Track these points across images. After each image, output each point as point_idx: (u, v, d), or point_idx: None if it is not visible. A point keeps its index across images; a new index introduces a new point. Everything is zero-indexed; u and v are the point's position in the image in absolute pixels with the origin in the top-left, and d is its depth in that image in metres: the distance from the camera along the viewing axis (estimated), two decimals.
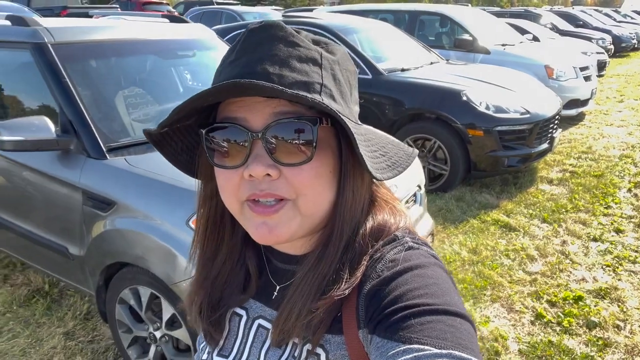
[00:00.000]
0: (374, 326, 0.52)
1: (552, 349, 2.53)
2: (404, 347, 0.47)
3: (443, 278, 0.55)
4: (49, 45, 2.45)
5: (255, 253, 0.70)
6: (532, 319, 2.80)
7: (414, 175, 2.75)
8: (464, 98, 4.37)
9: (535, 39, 9.39)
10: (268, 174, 0.55)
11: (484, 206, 4.30)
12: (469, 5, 11.68)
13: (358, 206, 0.61)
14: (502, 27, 8.41)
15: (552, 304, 2.93)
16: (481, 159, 4.38)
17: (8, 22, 2.69)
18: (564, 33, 13.22)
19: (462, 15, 7.59)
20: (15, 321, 2.82)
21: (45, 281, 3.16)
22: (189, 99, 0.52)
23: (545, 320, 2.78)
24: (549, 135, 4.73)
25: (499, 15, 11.95)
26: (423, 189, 2.82)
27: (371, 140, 0.58)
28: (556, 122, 4.87)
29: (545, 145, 4.64)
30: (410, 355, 0.46)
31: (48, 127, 2.21)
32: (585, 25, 16.37)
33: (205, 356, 0.72)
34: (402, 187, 2.51)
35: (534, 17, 13.66)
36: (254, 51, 0.55)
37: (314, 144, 0.54)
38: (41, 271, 2.86)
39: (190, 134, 0.63)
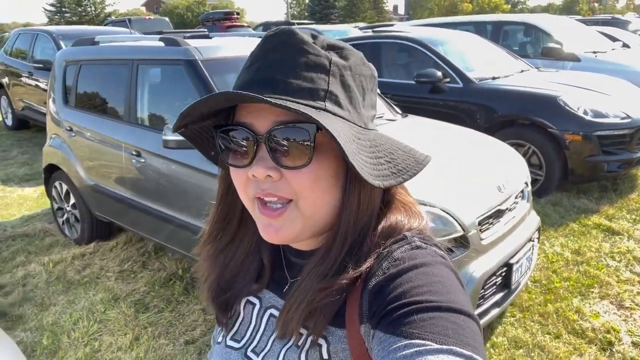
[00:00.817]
0: (377, 321, 0.53)
1: None
2: (406, 342, 0.48)
3: (449, 276, 0.56)
4: (199, 61, 2.89)
5: (270, 245, 0.72)
6: None
7: (522, 173, 2.89)
8: (561, 103, 4.40)
9: (626, 45, 9.02)
10: (269, 175, 0.58)
11: (583, 211, 4.28)
12: (547, 14, 11.39)
13: (366, 209, 0.62)
14: (590, 34, 8.19)
15: None
16: (579, 165, 4.37)
17: (161, 44, 3.19)
18: None
19: (548, 23, 7.52)
20: (158, 299, 3.25)
21: (178, 267, 3.60)
22: (191, 104, 0.57)
23: None
24: None
25: (584, 23, 11.57)
26: (529, 186, 2.94)
27: (378, 147, 0.59)
28: None
29: None
30: (411, 350, 0.47)
31: None
32: None
33: (220, 339, 0.76)
34: (511, 184, 2.66)
35: (622, 24, 13.03)
36: (265, 58, 0.59)
37: (312, 148, 0.57)
38: (177, 256, 3.27)
39: (209, 131, 0.67)
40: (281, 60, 0.57)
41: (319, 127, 0.54)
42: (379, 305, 0.54)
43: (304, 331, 0.62)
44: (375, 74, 0.66)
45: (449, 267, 0.57)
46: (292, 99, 0.55)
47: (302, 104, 0.55)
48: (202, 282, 0.76)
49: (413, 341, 0.48)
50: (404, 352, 0.47)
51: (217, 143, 0.63)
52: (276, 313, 0.70)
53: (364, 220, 0.62)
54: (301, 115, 0.53)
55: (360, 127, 0.60)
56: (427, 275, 0.54)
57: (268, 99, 0.51)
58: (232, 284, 0.74)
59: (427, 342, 0.47)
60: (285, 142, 0.57)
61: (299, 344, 0.63)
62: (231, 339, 0.74)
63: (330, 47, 0.61)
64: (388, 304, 0.53)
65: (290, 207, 0.60)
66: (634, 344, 2.57)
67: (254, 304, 0.73)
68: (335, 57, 0.59)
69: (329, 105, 0.56)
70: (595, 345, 2.57)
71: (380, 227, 0.63)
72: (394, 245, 0.60)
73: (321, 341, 0.61)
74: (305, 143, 0.56)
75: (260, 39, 0.63)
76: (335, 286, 0.59)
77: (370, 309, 0.56)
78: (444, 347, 0.46)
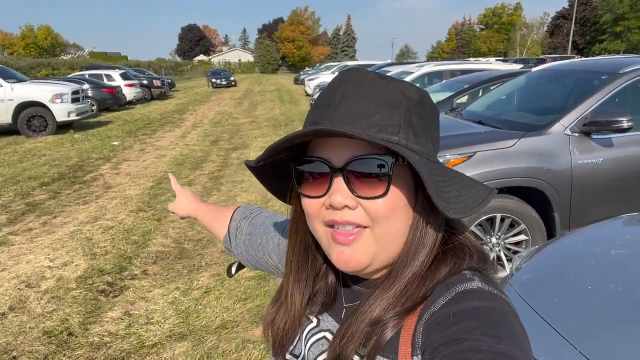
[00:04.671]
0: (430, 354, 0.53)
1: None
2: None
3: (507, 319, 0.55)
4: None
5: (335, 272, 0.75)
6: None
7: None
8: None
9: None
10: (347, 206, 0.61)
11: None
12: None
13: (429, 240, 0.63)
14: None
15: None
16: None
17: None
18: None
19: None
20: None
21: None
22: (281, 139, 0.60)
23: None
24: None
25: None
26: None
27: (448, 180, 0.61)
28: None
29: None
30: None
31: None
32: None
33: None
34: None
35: None
36: (341, 95, 0.62)
37: (389, 180, 0.60)
38: None
39: (282, 166, 0.70)
40: (357, 98, 0.61)
41: (396, 160, 0.60)
42: (433, 339, 0.54)
43: (357, 358, 0.63)
44: (438, 111, 0.68)
45: (509, 310, 0.57)
46: (371, 134, 0.58)
47: (381, 139, 0.58)
48: (264, 323, 0.79)
49: None
50: None
51: (292, 175, 0.67)
52: (330, 337, 0.71)
53: (426, 251, 0.63)
54: (382, 149, 0.59)
55: (431, 160, 0.62)
56: (487, 317, 0.54)
57: (361, 135, 0.55)
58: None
59: None
60: (362, 173, 0.61)
61: None
62: (290, 353, 0.76)
63: (399, 85, 0.63)
64: (443, 338, 0.53)
65: (366, 232, 0.62)
66: None
67: (311, 321, 0.76)
68: (406, 94, 0.62)
69: (402, 140, 0.59)
70: None
71: (439, 260, 0.64)
72: (452, 280, 0.61)
73: None
74: (383, 174, 0.60)
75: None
76: (394, 317, 0.61)
77: (424, 341, 0.56)
78: None
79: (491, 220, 3.66)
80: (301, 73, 39.72)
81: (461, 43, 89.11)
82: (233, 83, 34.87)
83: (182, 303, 3.56)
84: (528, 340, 0.54)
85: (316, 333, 0.73)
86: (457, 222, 0.68)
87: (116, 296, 3.70)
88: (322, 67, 34.19)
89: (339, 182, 0.61)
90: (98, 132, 12.64)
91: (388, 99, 0.60)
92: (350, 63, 27.16)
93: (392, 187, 0.60)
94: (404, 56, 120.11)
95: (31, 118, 11.74)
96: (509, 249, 3.74)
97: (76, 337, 3.13)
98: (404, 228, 0.63)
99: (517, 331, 0.54)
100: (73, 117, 12.23)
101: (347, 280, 0.74)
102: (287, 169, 0.69)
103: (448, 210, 0.55)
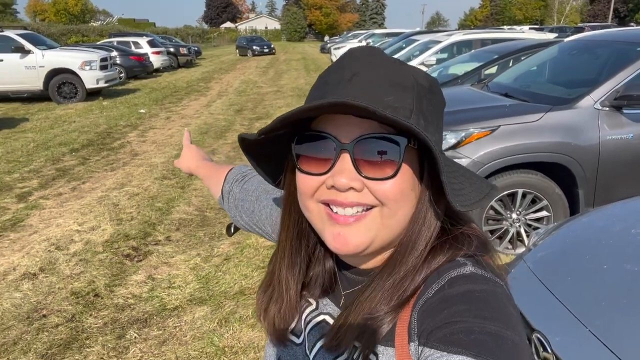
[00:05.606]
0: (425, 338, 0.54)
1: None
2: (447, 357, 0.49)
3: (500, 301, 0.55)
4: None
5: (331, 256, 0.73)
6: None
7: None
8: None
9: None
10: (352, 187, 0.58)
11: None
12: None
13: (430, 227, 0.62)
14: None
15: None
16: None
17: None
18: None
19: None
20: None
21: None
22: (293, 110, 0.56)
23: None
24: None
25: None
26: None
27: (454, 172, 0.58)
28: None
29: None
30: None
31: None
32: None
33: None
34: None
35: None
36: (351, 72, 0.59)
37: (400, 162, 0.57)
38: None
39: (278, 144, 0.67)
40: (370, 77, 0.58)
41: (409, 141, 0.57)
42: (427, 324, 0.54)
43: (357, 344, 0.62)
44: (445, 101, 0.66)
45: (502, 293, 0.57)
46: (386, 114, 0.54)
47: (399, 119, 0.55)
48: (258, 304, 0.77)
49: (454, 356, 0.48)
50: None
51: (292, 150, 0.63)
52: (330, 320, 0.70)
53: (427, 237, 0.62)
54: (393, 129, 0.56)
55: (438, 150, 0.58)
56: (479, 300, 0.54)
57: (380, 111, 0.51)
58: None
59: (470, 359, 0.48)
60: (372, 153, 0.58)
61: (354, 357, 0.63)
62: (291, 332, 0.74)
63: (411, 69, 0.61)
64: (436, 323, 0.53)
65: (373, 212, 0.60)
66: None
67: (310, 304, 0.74)
68: (417, 80, 0.60)
69: (414, 124, 0.55)
70: None
71: (437, 248, 0.62)
72: (447, 267, 0.60)
73: (372, 357, 0.61)
74: (394, 154, 0.57)
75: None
76: (391, 311, 0.60)
77: (419, 327, 0.56)
78: None
79: (512, 196, 3.61)
80: (328, 41, 39.06)
81: (495, 10, 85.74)
82: (273, 51, 34.81)
83: (202, 269, 3.67)
84: (521, 323, 0.55)
85: (316, 316, 0.72)
86: (462, 212, 0.65)
87: (140, 261, 3.84)
88: (349, 35, 33.55)
89: (344, 161, 0.58)
90: (126, 99, 12.84)
91: (401, 81, 0.58)
92: (378, 31, 26.54)
93: (401, 170, 0.58)
94: (435, 24, 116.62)
95: (62, 85, 11.99)
96: (529, 225, 3.69)
97: (102, 298, 3.28)
98: (408, 214, 0.61)
99: (509, 313, 0.54)
100: (101, 84, 12.44)
101: (342, 267, 0.72)
102: (283, 147, 0.66)
103: (455, 202, 0.54)
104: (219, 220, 4.66)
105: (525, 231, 3.67)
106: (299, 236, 0.72)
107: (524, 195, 3.59)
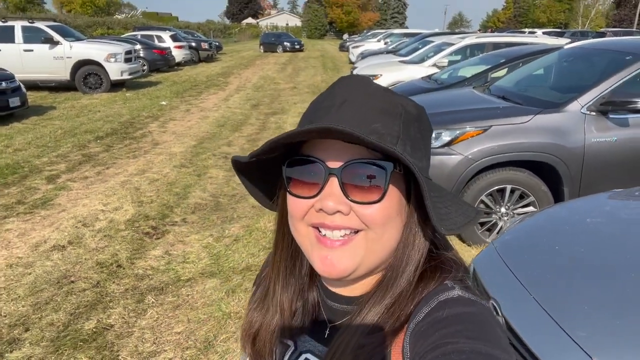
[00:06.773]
0: None
1: None
2: None
3: (489, 324, 0.56)
4: None
5: (315, 290, 0.73)
6: None
7: None
8: None
9: None
10: (339, 211, 0.60)
11: None
12: None
13: (417, 252, 0.63)
14: None
15: None
16: None
17: None
18: None
19: None
20: None
21: None
22: (283, 134, 0.57)
23: None
24: None
25: None
26: None
27: (439, 197, 0.59)
28: None
29: None
30: None
31: None
32: None
33: None
34: None
35: None
36: (342, 99, 0.61)
37: (386, 187, 0.59)
38: None
39: (271, 167, 0.67)
40: (359, 104, 0.60)
41: (395, 167, 0.59)
42: (420, 347, 0.55)
43: None
44: (432, 129, 0.68)
45: (489, 314, 0.58)
46: (372, 140, 0.55)
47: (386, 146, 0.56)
48: (242, 334, 0.78)
49: None
50: None
51: (283, 173, 0.64)
52: (313, 358, 0.70)
53: (414, 261, 0.63)
54: (380, 154, 0.58)
55: (423, 176, 0.60)
56: (468, 322, 0.56)
57: (367, 137, 0.53)
58: (275, 328, 0.74)
59: None
60: (358, 178, 0.59)
61: None
62: None
63: (400, 98, 0.64)
64: (428, 345, 0.54)
65: (358, 237, 0.61)
66: None
67: (288, 346, 0.74)
68: (406, 108, 0.62)
69: (400, 150, 0.58)
70: None
71: (424, 272, 0.64)
72: (437, 290, 0.61)
73: None
74: (380, 181, 0.59)
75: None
76: (383, 340, 0.61)
77: (412, 350, 0.57)
78: None
79: (501, 191, 3.88)
80: (347, 39, 39.23)
81: (519, 12, 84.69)
82: (303, 48, 35.13)
83: (214, 248, 4.02)
84: (508, 342, 0.57)
85: (297, 357, 0.72)
86: (441, 237, 0.68)
87: (158, 238, 4.22)
88: (368, 34, 33.73)
89: (332, 186, 0.60)
90: (148, 91, 13.32)
91: (389, 108, 0.60)
92: (396, 31, 26.69)
93: (387, 195, 0.59)
94: (457, 24, 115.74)
95: (87, 75, 12.52)
96: None
97: (124, 268, 3.66)
98: (394, 238, 0.62)
99: (498, 334, 0.55)
100: (125, 76, 12.93)
101: (326, 297, 0.72)
102: (275, 170, 0.67)
103: (440, 226, 0.56)
104: (231, 205, 5.02)
105: None
106: (292, 258, 0.73)
107: (512, 191, 3.87)
